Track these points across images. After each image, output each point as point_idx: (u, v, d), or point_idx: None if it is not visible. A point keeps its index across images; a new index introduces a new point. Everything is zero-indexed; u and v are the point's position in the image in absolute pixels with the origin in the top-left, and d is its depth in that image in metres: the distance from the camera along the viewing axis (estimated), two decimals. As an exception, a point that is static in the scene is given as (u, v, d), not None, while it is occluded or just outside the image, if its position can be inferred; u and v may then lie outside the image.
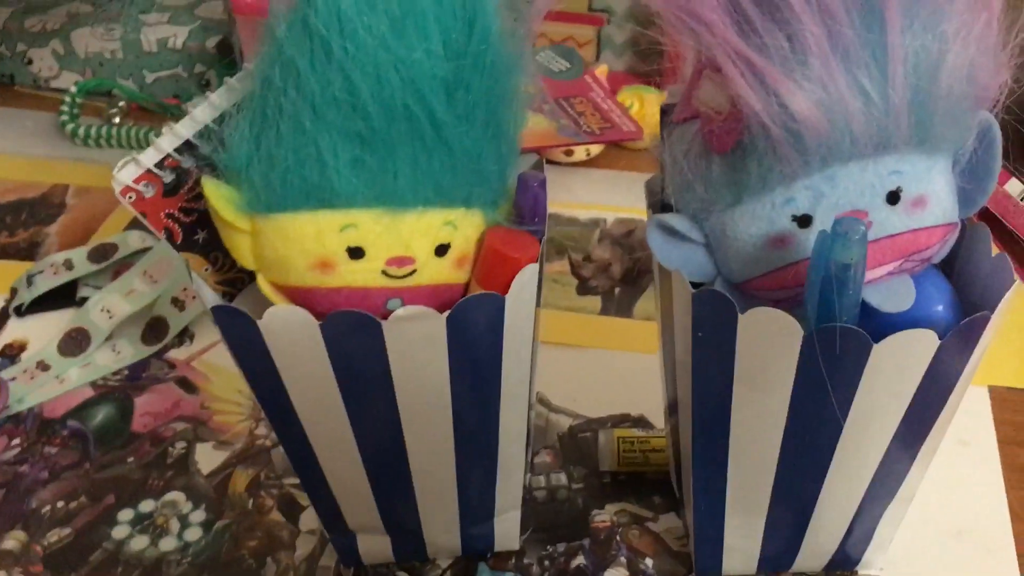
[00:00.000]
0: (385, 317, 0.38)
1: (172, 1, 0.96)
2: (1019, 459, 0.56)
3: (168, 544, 0.54)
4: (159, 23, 0.92)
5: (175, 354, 0.66)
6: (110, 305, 0.66)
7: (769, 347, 0.38)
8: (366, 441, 0.44)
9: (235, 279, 0.44)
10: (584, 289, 0.69)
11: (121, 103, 0.91)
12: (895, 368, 0.38)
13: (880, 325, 0.37)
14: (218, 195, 0.37)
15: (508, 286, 0.39)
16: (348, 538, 0.51)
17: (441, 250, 0.39)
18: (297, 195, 0.37)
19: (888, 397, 0.39)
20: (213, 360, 0.66)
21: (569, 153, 0.81)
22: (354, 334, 0.39)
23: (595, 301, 0.69)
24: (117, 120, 0.89)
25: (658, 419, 0.59)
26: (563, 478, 0.56)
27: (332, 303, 0.39)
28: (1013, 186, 0.64)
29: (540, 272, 0.42)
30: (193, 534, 0.54)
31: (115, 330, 0.66)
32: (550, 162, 0.82)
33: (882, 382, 0.38)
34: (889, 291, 0.38)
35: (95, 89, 0.91)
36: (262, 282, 0.39)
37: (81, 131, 0.87)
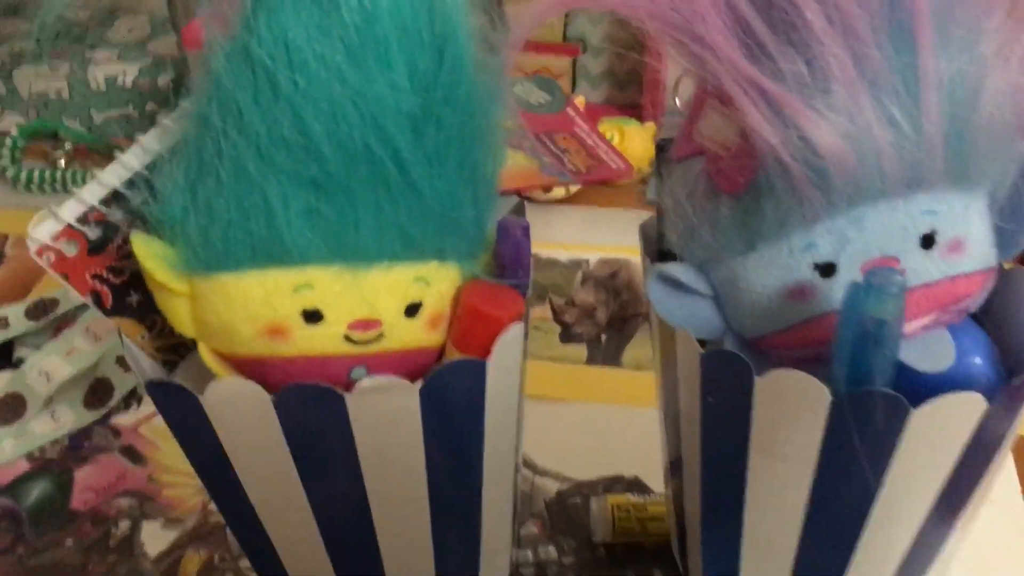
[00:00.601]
0: (349, 388, 0.33)
1: (122, 37, 0.91)
2: (1047, 515, 0.52)
3: (109, 640, 0.48)
4: (108, 60, 0.87)
5: (120, 419, 0.60)
6: (49, 367, 0.60)
7: (791, 413, 0.33)
8: (328, 524, 0.39)
9: (178, 345, 0.38)
10: (568, 336, 0.64)
11: (67, 145, 0.85)
12: (936, 435, 0.33)
13: (913, 385, 0.32)
14: (149, 253, 0.32)
15: (489, 349, 0.34)
16: (312, 630, 0.45)
17: (411, 310, 0.34)
18: (241, 252, 0.31)
19: (927, 466, 0.34)
20: (162, 425, 0.59)
21: (548, 189, 0.76)
22: (313, 409, 0.34)
23: (580, 350, 0.64)
24: (63, 164, 0.83)
25: (654, 480, 0.54)
26: (552, 551, 0.51)
27: (286, 374, 0.34)
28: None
29: (525, 331, 0.37)
30: (138, 627, 0.48)
31: (54, 394, 0.60)
32: (527, 199, 0.77)
33: (920, 451, 0.33)
34: (926, 348, 0.33)
35: (39, 131, 0.86)
36: (204, 351, 0.34)
37: (23, 176, 0.81)
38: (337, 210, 0.31)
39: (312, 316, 0.33)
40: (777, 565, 0.40)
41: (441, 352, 0.36)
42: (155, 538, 0.53)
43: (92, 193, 0.34)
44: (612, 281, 0.69)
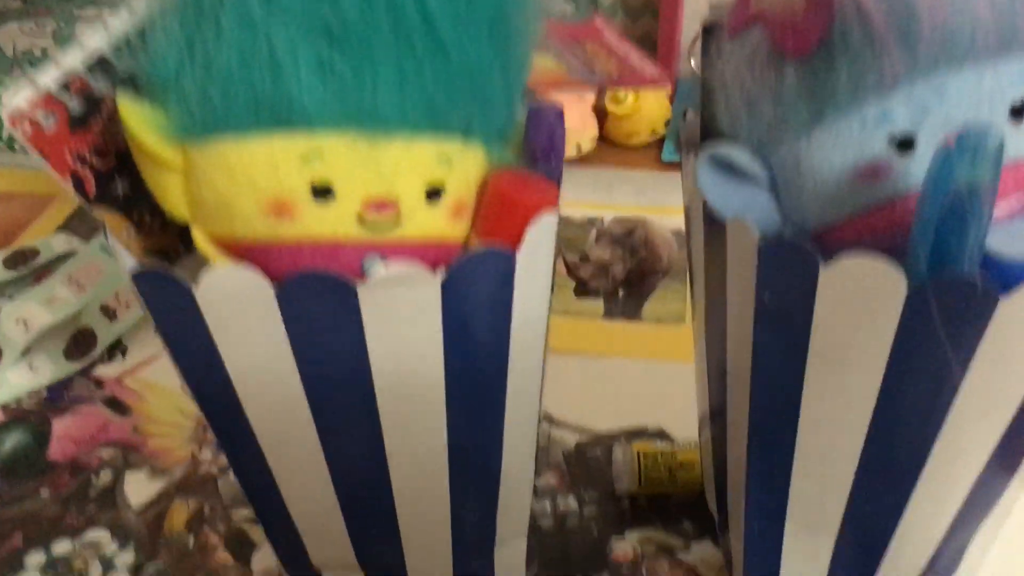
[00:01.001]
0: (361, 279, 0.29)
1: (112, -6, 0.87)
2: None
3: (87, 595, 0.44)
4: (95, 18, 0.83)
5: (104, 371, 0.56)
6: (27, 315, 0.56)
7: (859, 308, 0.30)
8: (335, 449, 0.35)
9: (167, 247, 0.34)
10: (583, 291, 0.61)
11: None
12: (1023, 332, 0.29)
13: (995, 278, 0.29)
14: (139, 118, 0.28)
15: (519, 242, 0.30)
16: (312, 579, 0.41)
17: (433, 194, 0.30)
18: (244, 112, 0.28)
19: (1008, 372, 0.31)
20: (150, 377, 0.56)
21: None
22: (320, 302, 0.30)
23: (596, 304, 0.60)
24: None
25: (681, 431, 0.50)
26: (572, 502, 0.47)
27: (292, 263, 0.30)
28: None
29: (557, 231, 0.33)
30: (119, 582, 0.44)
31: (33, 344, 0.56)
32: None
33: (1005, 352, 0.30)
34: (1013, 234, 0.29)
35: (24, 88, 0.82)
36: (199, 236, 0.30)
37: (6, 134, 0.77)
38: (353, 66, 0.27)
39: (322, 192, 0.29)
40: (829, 503, 0.37)
41: (464, 246, 0.33)
42: (140, 489, 0.48)
43: (74, 57, 0.30)
44: (628, 239, 0.65)
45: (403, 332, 0.31)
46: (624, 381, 0.54)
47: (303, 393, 0.32)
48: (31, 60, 0.84)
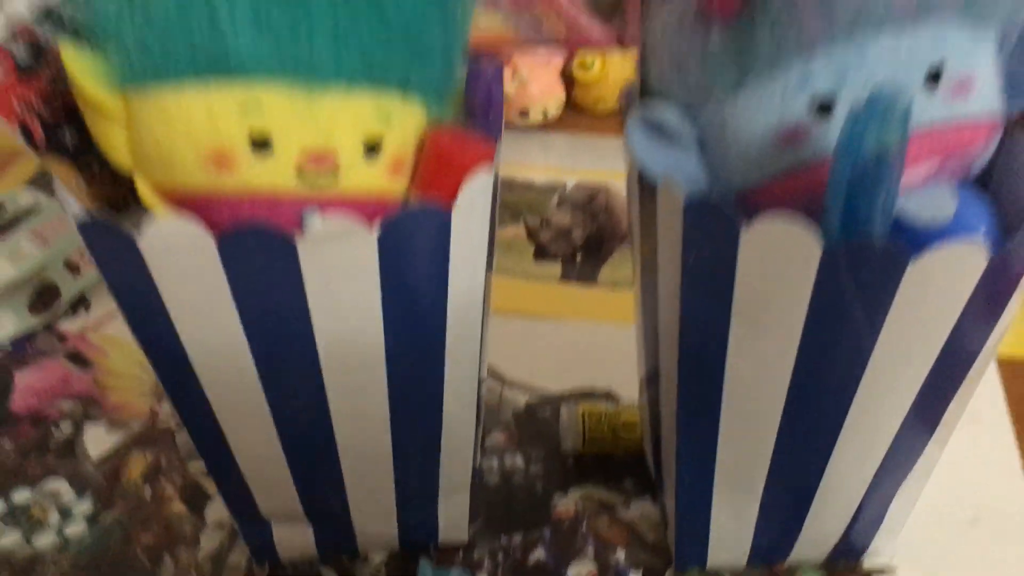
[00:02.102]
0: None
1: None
2: (1035, 436, 0.50)
3: (45, 540, 0.45)
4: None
5: (67, 325, 0.57)
6: (-9, 269, 0.57)
7: (777, 270, 0.31)
8: (280, 400, 0.36)
9: (118, 197, 0.35)
10: (541, 254, 0.62)
11: None
12: (933, 292, 0.30)
13: (910, 243, 0.30)
14: (80, 65, 0.29)
15: (455, 198, 0.31)
16: (261, 528, 0.42)
17: (372, 149, 0.31)
18: (182, 60, 0.28)
19: (919, 333, 0.32)
20: (112, 332, 0.56)
21: (525, 114, 0.73)
22: (260, 254, 0.31)
23: (554, 267, 0.61)
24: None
25: (627, 392, 0.51)
26: (519, 460, 0.48)
27: (233, 215, 0.31)
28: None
29: (495, 189, 0.34)
30: (76, 528, 0.45)
31: (-4, 297, 0.57)
32: (504, 125, 0.74)
33: (915, 312, 0.31)
34: (925, 199, 0.30)
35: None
36: (142, 186, 0.31)
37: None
38: (288, 17, 0.28)
39: (261, 145, 0.30)
40: (754, 462, 0.38)
41: (403, 203, 0.33)
42: (98, 441, 0.50)
43: (19, 3, 0.31)
44: (590, 204, 0.66)
45: (342, 286, 0.32)
46: (577, 343, 0.55)
47: (248, 346, 0.33)
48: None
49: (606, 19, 0.83)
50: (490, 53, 0.38)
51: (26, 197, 0.62)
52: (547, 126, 0.74)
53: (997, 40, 0.31)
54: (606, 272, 0.60)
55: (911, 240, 0.30)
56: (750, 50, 0.29)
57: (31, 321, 0.57)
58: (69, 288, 0.58)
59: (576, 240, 0.63)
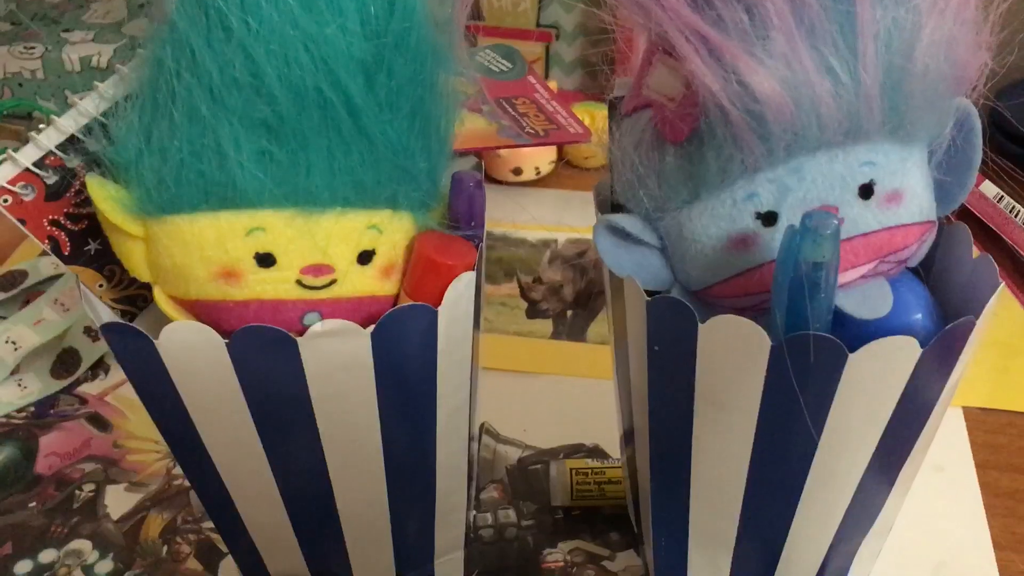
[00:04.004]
0: (302, 333, 0.33)
1: (98, 19, 0.91)
2: (999, 484, 0.52)
3: (70, 599, 0.48)
4: (83, 41, 0.87)
5: (87, 388, 0.60)
6: (16, 336, 0.60)
7: (733, 360, 0.34)
8: (286, 477, 0.39)
9: (135, 296, 0.39)
10: (534, 312, 0.65)
11: (42, 126, 0.85)
12: (873, 380, 0.34)
13: (853, 335, 0.33)
14: (104, 195, 0.33)
15: (442, 297, 0.35)
16: (271, 588, 0.46)
17: (364, 257, 0.35)
18: (194, 193, 0.32)
19: (865, 414, 0.35)
20: (129, 394, 0.60)
21: (518, 172, 0.77)
22: (266, 353, 0.34)
23: (546, 325, 0.64)
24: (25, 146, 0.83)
25: (614, 448, 0.55)
26: (512, 515, 0.51)
27: (240, 318, 0.34)
28: (988, 188, 0.60)
29: (478, 283, 0.37)
30: (99, 587, 0.49)
31: (21, 363, 0.60)
32: (498, 182, 0.78)
33: (858, 397, 0.34)
34: (864, 296, 0.34)
35: (13, 111, 0.86)
36: (159, 296, 0.35)
37: (-4, 153, 0.81)
38: (289, 153, 0.32)
39: (265, 259, 0.33)
40: (724, 522, 0.41)
41: (395, 302, 0.37)
42: (119, 500, 0.53)
43: (50, 138, 0.35)
44: (579, 260, 0.70)
45: (340, 378, 0.35)
46: (567, 399, 0.58)
47: (254, 429, 0.37)
48: (20, 82, 0.88)
49: (596, 76, 0.86)
50: (473, 153, 0.42)
51: (47, 265, 0.66)
52: (540, 183, 0.78)
53: (925, 153, 0.34)
54: (594, 329, 0.63)
55: (856, 331, 0.34)
56: (700, 170, 0.33)
57: (54, 385, 0.60)
58: (89, 353, 0.61)
59: (567, 296, 0.66)
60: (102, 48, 0.86)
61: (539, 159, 0.77)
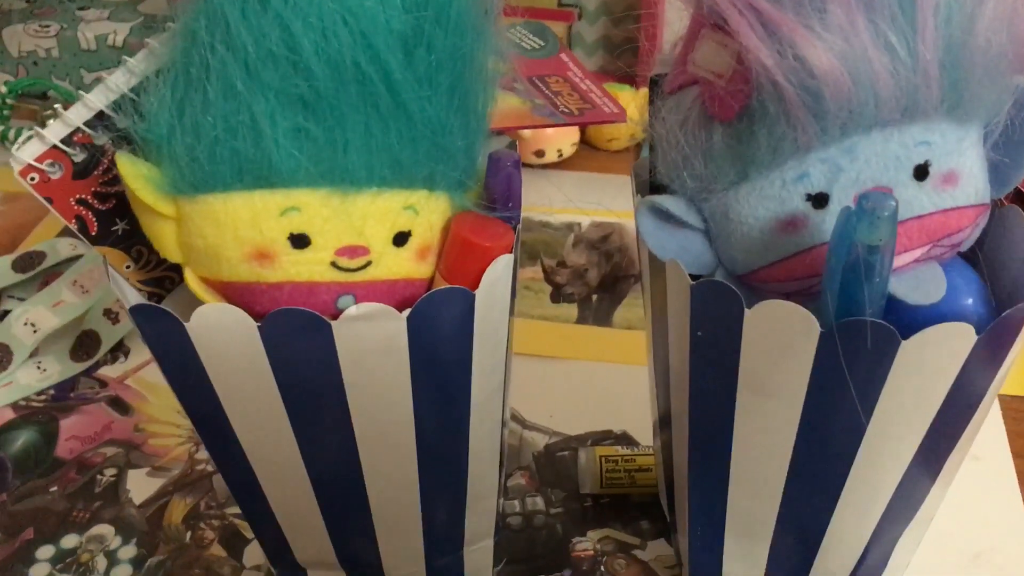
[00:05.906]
0: (335, 317, 0.32)
1: (113, -3, 0.90)
2: (1035, 473, 0.52)
3: (93, 585, 0.47)
4: (98, 19, 0.86)
5: (107, 371, 0.60)
6: (35, 318, 0.60)
7: (780, 346, 0.33)
8: (316, 462, 0.38)
9: (163, 278, 0.38)
10: (558, 296, 0.64)
11: (57, 105, 0.84)
12: (925, 368, 0.33)
13: (903, 321, 0.32)
14: (135, 173, 0.32)
15: (478, 280, 0.34)
16: (297, 574, 0.45)
17: (400, 239, 0.34)
18: (228, 172, 0.31)
19: (914, 402, 0.34)
20: (150, 377, 0.59)
21: (540, 154, 0.76)
22: (299, 337, 0.33)
23: (571, 309, 0.63)
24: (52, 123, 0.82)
25: (643, 435, 0.54)
26: (540, 502, 0.50)
27: (273, 300, 0.33)
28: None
29: (515, 265, 0.36)
30: (122, 572, 0.48)
31: (40, 345, 0.60)
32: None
33: (909, 385, 0.33)
34: (917, 280, 0.33)
35: (28, 89, 0.85)
36: (190, 277, 0.34)
37: (11, 134, 0.80)
38: (326, 130, 0.31)
39: (299, 240, 0.32)
40: (763, 512, 0.40)
41: (430, 284, 0.36)
42: (141, 485, 0.52)
43: (78, 114, 0.34)
44: (604, 244, 0.69)
45: (374, 362, 0.34)
46: (593, 385, 0.58)
47: (285, 414, 0.36)
48: (35, 60, 0.87)
49: (617, 22, 0.85)
50: (509, 132, 0.41)
51: (65, 246, 0.65)
52: (562, 165, 0.77)
53: (981, 133, 0.33)
54: (620, 314, 0.62)
55: (906, 316, 0.33)
56: (749, 149, 0.32)
57: (74, 368, 0.59)
58: (109, 336, 0.60)
59: (591, 281, 0.65)
60: (118, 26, 0.85)
61: (562, 141, 0.76)
